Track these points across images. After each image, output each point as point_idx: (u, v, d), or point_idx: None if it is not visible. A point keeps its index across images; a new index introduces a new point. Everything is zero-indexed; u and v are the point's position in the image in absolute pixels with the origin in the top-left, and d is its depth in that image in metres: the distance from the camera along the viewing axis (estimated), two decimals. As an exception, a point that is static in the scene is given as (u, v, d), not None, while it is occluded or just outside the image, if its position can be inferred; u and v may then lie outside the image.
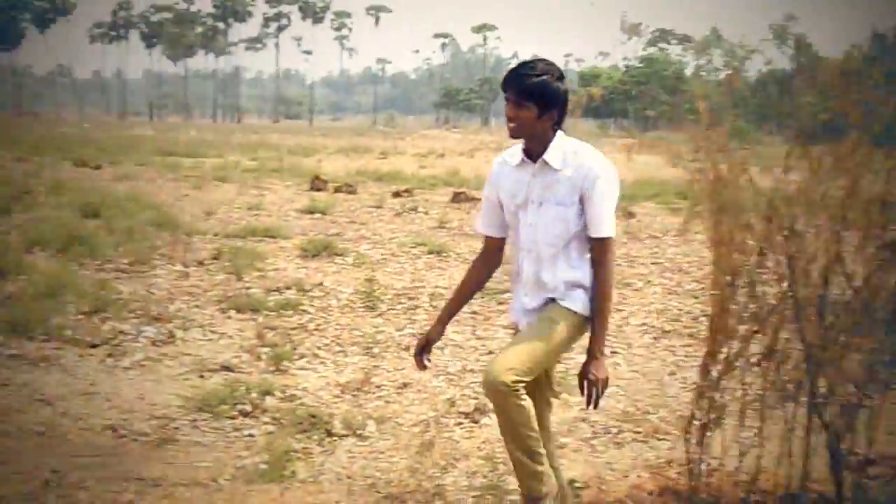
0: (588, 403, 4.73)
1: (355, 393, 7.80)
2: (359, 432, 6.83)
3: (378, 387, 7.98)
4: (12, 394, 7.29)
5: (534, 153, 4.64)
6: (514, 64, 4.76)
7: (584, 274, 4.67)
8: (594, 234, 4.56)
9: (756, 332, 5.11)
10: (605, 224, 4.56)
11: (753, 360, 5.14)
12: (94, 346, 8.70)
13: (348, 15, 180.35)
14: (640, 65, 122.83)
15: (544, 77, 4.52)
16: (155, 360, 8.47)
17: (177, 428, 6.81)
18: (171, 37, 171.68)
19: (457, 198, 22.89)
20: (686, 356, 9.20)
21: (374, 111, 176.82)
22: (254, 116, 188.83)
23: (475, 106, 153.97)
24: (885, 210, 5.09)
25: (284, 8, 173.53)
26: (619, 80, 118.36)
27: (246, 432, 6.80)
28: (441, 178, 29.93)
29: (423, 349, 4.96)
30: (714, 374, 5.22)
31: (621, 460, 6.54)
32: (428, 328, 5.05)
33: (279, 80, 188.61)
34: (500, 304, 10.90)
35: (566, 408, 7.47)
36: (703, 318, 10.51)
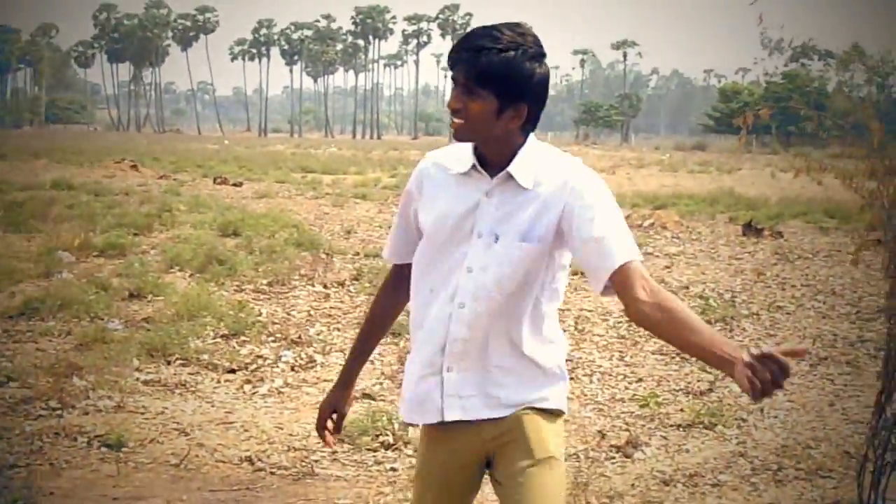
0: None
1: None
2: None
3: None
4: (148, 422, 7.11)
5: (490, 161, 3.08)
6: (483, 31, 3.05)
7: (560, 348, 3.23)
8: (613, 265, 2.88)
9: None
10: (623, 245, 2.91)
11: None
12: (231, 372, 8.52)
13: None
14: (782, 81, 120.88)
15: (511, 53, 2.94)
16: (294, 386, 8.24)
17: (316, 461, 6.53)
18: (311, 54, 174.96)
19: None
20: (845, 385, 8.72)
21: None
22: (393, 133, 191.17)
23: (615, 122, 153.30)
24: None
25: (424, 25, 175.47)
26: (761, 96, 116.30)
27: (388, 466, 6.50)
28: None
29: (326, 426, 3.44)
30: (889, 413, 4.89)
31: (784, 500, 6.12)
32: (329, 394, 3.49)
33: (418, 97, 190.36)
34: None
35: (722, 441, 7.12)
36: (859, 345, 10.06)
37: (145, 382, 8.04)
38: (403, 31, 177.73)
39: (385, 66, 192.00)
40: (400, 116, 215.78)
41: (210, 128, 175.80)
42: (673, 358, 9.40)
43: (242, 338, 9.60)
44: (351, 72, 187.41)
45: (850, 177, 5.07)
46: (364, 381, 8.36)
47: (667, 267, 15.24)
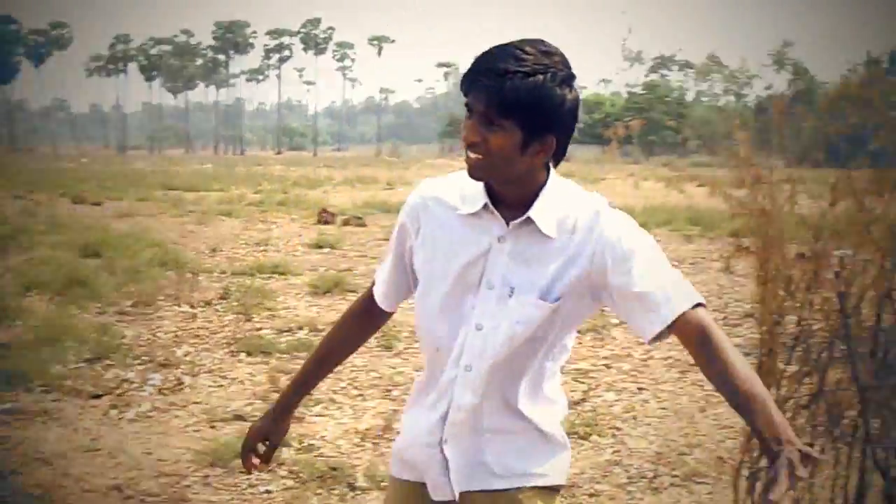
0: None
1: (376, 441, 7.37)
2: (383, 485, 6.32)
3: (399, 433, 7.54)
4: (8, 452, 6.82)
5: (505, 202, 2.66)
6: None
7: (561, 408, 2.87)
8: (662, 322, 2.53)
9: (806, 373, 4.83)
10: (670, 295, 2.53)
11: (803, 402, 4.85)
12: (96, 397, 8.25)
13: (350, 45, 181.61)
14: (643, 91, 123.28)
15: (539, 77, 2.49)
16: (162, 410, 8.02)
17: (188, 486, 6.37)
18: (170, 69, 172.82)
19: (467, 227, 22.40)
20: (715, 390, 8.82)
21: (378, 141, 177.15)
22: (256, 148, 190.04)
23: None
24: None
25: (286, 39, 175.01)
26: (623, 106, 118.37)
27: (262, 489, 6.37)
28: (450, 207, 29.46)
29: (253, 449, 3.08)
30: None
31: (661, 508, 6.12)
32: (262, 419, 3.13)
33: (281, 111, 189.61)
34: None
35: (598, 450, 7.14)
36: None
37: (4, 412, 7.75)
38: (265, 45, 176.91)
39: (247, 80, 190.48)
40: (263, 131, 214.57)
41: (66, 146, 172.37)
42: (545, 368, 9.41)
43: (107, 361, 9.34)
44: (212, 87, 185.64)
45: (719, 186, 5.12)
46: (235, 401, 8.22)
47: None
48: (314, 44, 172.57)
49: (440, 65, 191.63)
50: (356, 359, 9.76)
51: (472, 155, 2.56)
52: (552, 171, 2.70)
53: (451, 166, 71.88)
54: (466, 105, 2.56)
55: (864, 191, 4.74)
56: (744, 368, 2.44)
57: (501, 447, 2.75)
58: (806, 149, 5.42)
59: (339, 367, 9.18)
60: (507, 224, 2.65)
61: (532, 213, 2.62)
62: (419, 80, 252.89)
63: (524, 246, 2.64)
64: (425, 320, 2.78)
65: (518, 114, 2.49)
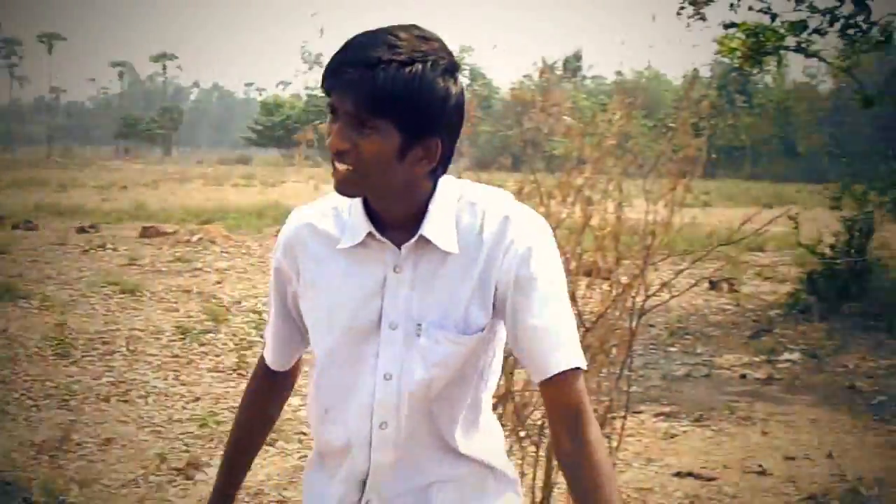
0: None
1: (53, 453, 7.04)
2: (62, 499, 6.15)
3: (78, 444, 7.26)
4: None
5: (388, 222, 2.16)
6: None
7: (500, 437, 2.43)
8: (549, 371, 2.10)
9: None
10: (564, 346, 2.12)
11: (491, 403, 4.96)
12: None
13: (18, 42, 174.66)
14: (323, 94, 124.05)
15: (417, 66, 2.00)
16: None
17: None
18: None
19: (146, 232, 21.84)
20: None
21: (49, 142, 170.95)
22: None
23: (156, 136, 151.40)
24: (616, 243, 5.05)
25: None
26: (303, 109, 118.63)
27: (-72, 509, 6.01)
28: (127, 211, 28.70)
29: None
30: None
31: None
32: None
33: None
34: (203, 344, 10.37)
35: (284, 456, 7.12)
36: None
37: None
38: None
39: None
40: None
41: None
42: (229, 375, 9.31)
43: None
44: None
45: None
46: None
47: (218, 282, 15.12)
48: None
49: (114, 64, 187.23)
50: (30, 368, 9.38)
51: (341, 166, 2.06)
52: (444, 178, 2.19)
53: (127, 168, 70.33)
54: (330, 106, 2.07)
55: (549, 195, 4.87)
56: (609, 483, 2.05)
57: (453, 496, 2.28)
58: (488, 153, 5.54)
59: (13, 377, 8.82)
60: (400, 248, 2.16)
61: (425, 230, 2.12)
62: (92, 80, 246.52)
63: (426, 271, 2.15)
64: (315, 377, 2.29)
65: (395, 111, 2.01)
